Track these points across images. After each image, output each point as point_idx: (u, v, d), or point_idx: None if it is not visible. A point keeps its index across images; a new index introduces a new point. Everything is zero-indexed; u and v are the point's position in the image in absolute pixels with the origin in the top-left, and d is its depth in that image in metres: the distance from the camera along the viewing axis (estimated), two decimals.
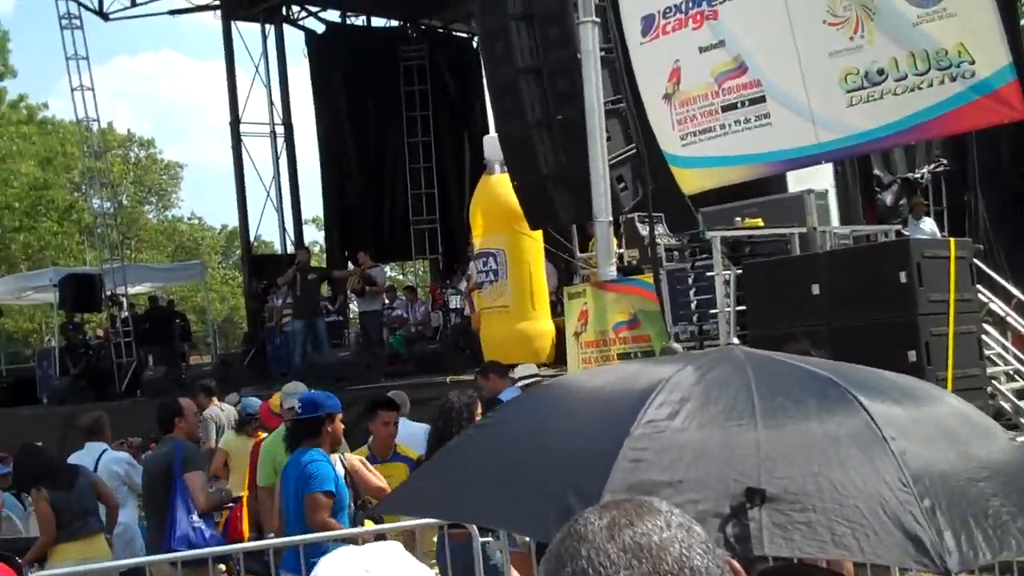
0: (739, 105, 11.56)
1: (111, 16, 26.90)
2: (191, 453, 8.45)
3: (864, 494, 2.40)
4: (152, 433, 12.85)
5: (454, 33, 28.68)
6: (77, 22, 23.70)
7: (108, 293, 23.45)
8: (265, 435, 9.85)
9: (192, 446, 8.63)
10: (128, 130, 62.88)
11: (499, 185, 15.16)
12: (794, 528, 2.33)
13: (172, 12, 27.78)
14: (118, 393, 21.07)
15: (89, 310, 25.40)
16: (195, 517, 8.11)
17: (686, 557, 1.44)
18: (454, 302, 19.38)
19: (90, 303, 24.33)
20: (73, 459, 9.85)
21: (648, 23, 12.47)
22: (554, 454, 2.78)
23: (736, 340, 6.17)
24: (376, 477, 7.63)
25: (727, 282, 11.29)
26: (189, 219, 67.04)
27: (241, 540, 9.43)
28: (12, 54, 46.00)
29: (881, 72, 10.66)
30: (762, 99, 11.41)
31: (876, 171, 15.23)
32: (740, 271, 11.31)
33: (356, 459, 7.85)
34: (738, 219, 12.38)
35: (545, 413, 3.05)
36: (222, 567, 10.61)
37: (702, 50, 11.83)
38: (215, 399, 13.88)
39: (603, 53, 12.95)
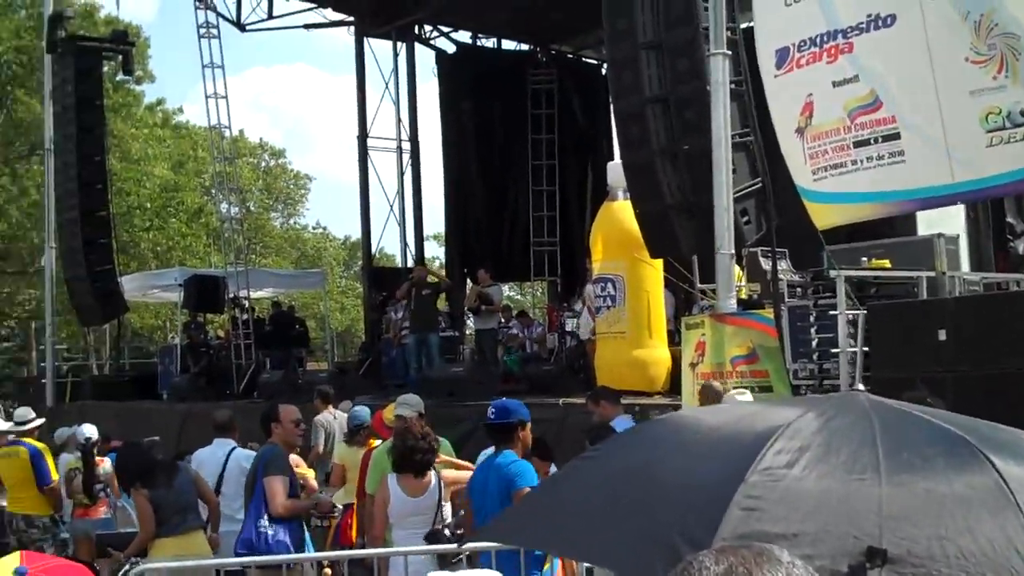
0: (872, 141, 11.34)
1: (248, 27, 27.48)
2: (274, 458, 8.39)
3: (993, 564, 2.27)
4: None
5: (583, 59, 28.73)
6: (215, 31, 24.25)
7: (231, 295, 23.89)
8: (377, 443, 9.96)
9: (278, 450, 8.55)
10: (260, 138, 64.25)
11: (621, 212, 15.12)
12: None
13: (307, 26, 28.29)
14: (235, 393, 21.42)
15: (212, 311, 25.93)
16: (265, 521, 8.06)
17: None
18: (570, 325, 19.36)
19: (213, 304, 24.83)
20: (202, 454, 10.03)
21: (782, 56, 12.33)
22: (663, 495, 2.70)
23: (861, 385, 6.01)
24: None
25: (851, 322, 11.10)
26: (314, 228, 68.20)
27: (350, 547, 9.57)
28: (151, 60, 47.07)
29: None
30: (896, 135, 11.18)
31: (1009, 219, 14.88)
32: (864, 312, 11.12)
33: (448, 472, 7.96)
34: (864, 259, 12.18)
35: (657, 449, 2.98)
36: (328, 572, 10.76)
37: (836, 84, 11.65)
38: (331, 406, 14.03)
39: (733, 86, 12.86)
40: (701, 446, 2.90)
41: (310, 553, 8.93)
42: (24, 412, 13.65)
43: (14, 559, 2.06)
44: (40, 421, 13.68)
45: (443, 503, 7.71)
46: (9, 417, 15.11)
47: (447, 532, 7.58)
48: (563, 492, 3.23)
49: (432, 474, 7.74)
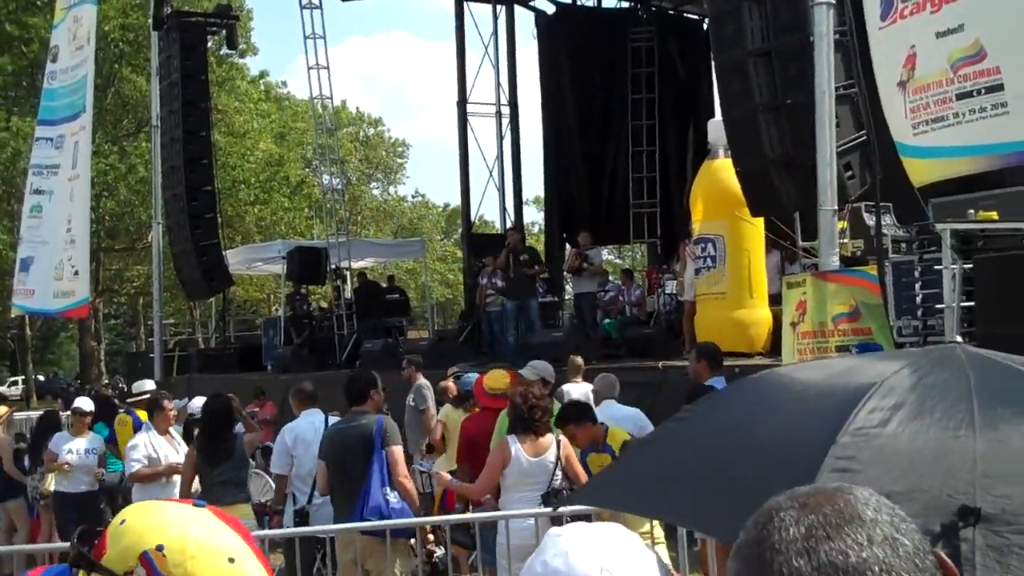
0: (975, 93, 11.00)
1: None
2: (391, 427, 8.42)
3: None
4: None
5: (684, 15, 28.37)
6: (316, 2, 24.36)
7: (332, 266, 24.09)
8: (478, 410, 9.96)
9: (390, 419, 8.65)
10: (356, 108, 64.73)
11: (722, 170, 14.93)
12: (1011, 552, 2.14)
13: None
14: (337, 364, 21.61)
15: (314, 282, 26.17)
16: (388, 488, 8.10)
17: None
18: (670, 287, 19.19)
19: (315, 275, 25.04)
20: (298, 427, 9.91)
21: (887, 6, 12.01)
22: (756, 456, 2.64)
23: (959, 338, 5.83)
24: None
25: (956, 276, 10.81)
26: (413, 197, 68.66)
27: (453, 511, 9.57)
28: (254, 32, 47.67)
29: None
30: (1000, 87, 10.83)
31: None
32: (971, 265, 10.82)
33: (570, 446, 7.92)
34: (971, 211, 11.84)
35: (750, 409, 2.91)
36: (431, 536, 10.85)
37: (939, 35, 11.31)
38: (421, 373, 14.08)
39: (836, 36, 12.56)
40: (794, 405, 2.83)
41: (428, 517, 9.00)
42: (142, 384, 14.02)
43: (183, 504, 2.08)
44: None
45: (561, 465, 7.73)
46: (127, 390, 15.53)
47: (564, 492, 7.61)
48: (656, 454, 3.18)
49: (552, 436, 7.73)
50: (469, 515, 8.16)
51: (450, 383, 12.06)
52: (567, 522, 6.21)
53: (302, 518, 9.31)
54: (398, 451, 8.22)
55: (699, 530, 4.65)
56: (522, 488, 7.76)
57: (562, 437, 7.91)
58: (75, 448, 12.03)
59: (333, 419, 9.76)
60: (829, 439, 2.40)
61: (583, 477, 7.71)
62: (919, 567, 1.34)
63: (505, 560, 7.58)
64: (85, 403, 12.66)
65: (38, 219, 26.60)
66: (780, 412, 2.81)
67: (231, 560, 1.88)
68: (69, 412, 13.72)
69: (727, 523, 2.56)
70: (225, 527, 1.93)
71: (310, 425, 9.75)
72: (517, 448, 7.75)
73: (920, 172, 11.73)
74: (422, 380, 13.80)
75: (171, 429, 11.17)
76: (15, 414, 15.46)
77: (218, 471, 9.11)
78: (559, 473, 7.76)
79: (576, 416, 8.27)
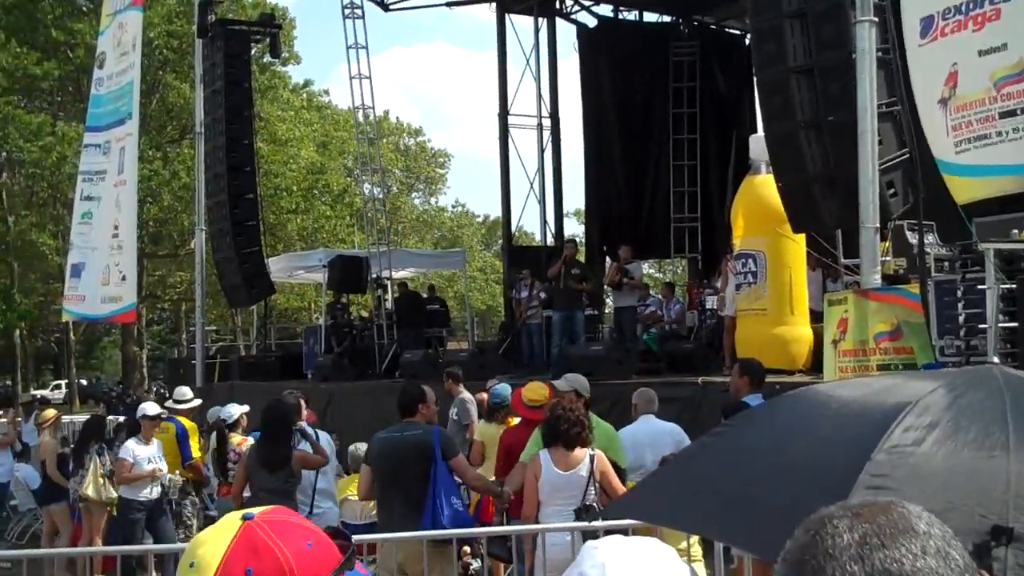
0: (1019, 112, 10.96)
1: (391, 7, 27.75)
2: (449, 437, 8.61)
3: None
4: None
5: (726, 30, 28.34)
6: (359, 12, 24.54)
7: (373, 276, 24.18)
8: (516, 421, 9.98)
9: (446, 431, 8.80)
10: (397, 118, 65.02)
11: (763, 186, 14.90)
12: None
13: (449, 4, 28.47)
14: (377, 373, 21.69)
15: (355, 291, 26.24)
16: (455, 499, 8.22)
17: None
18: (711, 302, 19.15)
19: (356, 285, 25.10)
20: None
21: (927, 24, 11.99)
22: (791, 472, 2.65)
23: (996, 359, 5.80)
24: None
25: (1000, 297, 10.76)
26: (453, 207, 68.83)
27: (490, 524, 9.58)
28: (297, 41, 48.00)
29: None
30: None
31: None
32: (1014, 286, 10.76)
33: (607, 461, 7.87)
34: (1015, 231, 11.78)
35: (787, 426, 2.92)
36: (467, 548, 10.85)
37: (981, 53, 11.28)
38: (461, 385, 14.08)
39: (879, 54, 12.54)
40: (830, 422, 2.84)
41: (465, 529, 9.03)
42: (183, 392, 14.11)
43: (252, 510, 2.12)
44: (197, 402, 14.14)
45: (595, 480, 7.68)
46: (168, 395, 15.63)
47: (597, 508, 7.56)
48: (693, 468, 3.19)
49: (586, 451, 7.71)
50: (506, 528, 8.18)
51: (484, 395, 12.09)
52: (602, 536, 6.22)
53: None
54: (463, 459, 8.43)
55: (731, 543, 4.66)
56: (555, 502, 7.75)
57: (597, 452, 7.83)
58: (149, 455, 12.08)
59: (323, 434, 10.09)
60: (864, 456, 2.41)
61: (620, 491, 7.69)
62: None
63: (541, 573, 7.58)
64: (152, 408, 12.62)
65: (88, 225, 26.86)
66: (816, 429, 2.82)
67: (191, 565, 1.96)
68: (122, 418, 13.85)
69: (760, 537, 2.59)
70: (226, 538, 1.98)
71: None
72: (547, 461, 7.75)
73: (963, 190, 11.69)
74: (465, 394, 13.80)
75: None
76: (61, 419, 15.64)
77: (270, 480, 9.10)
78: (592, 488, 7.67)
79: None
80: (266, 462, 9.02)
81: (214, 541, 1.98)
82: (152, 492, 11.93)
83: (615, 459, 8.50)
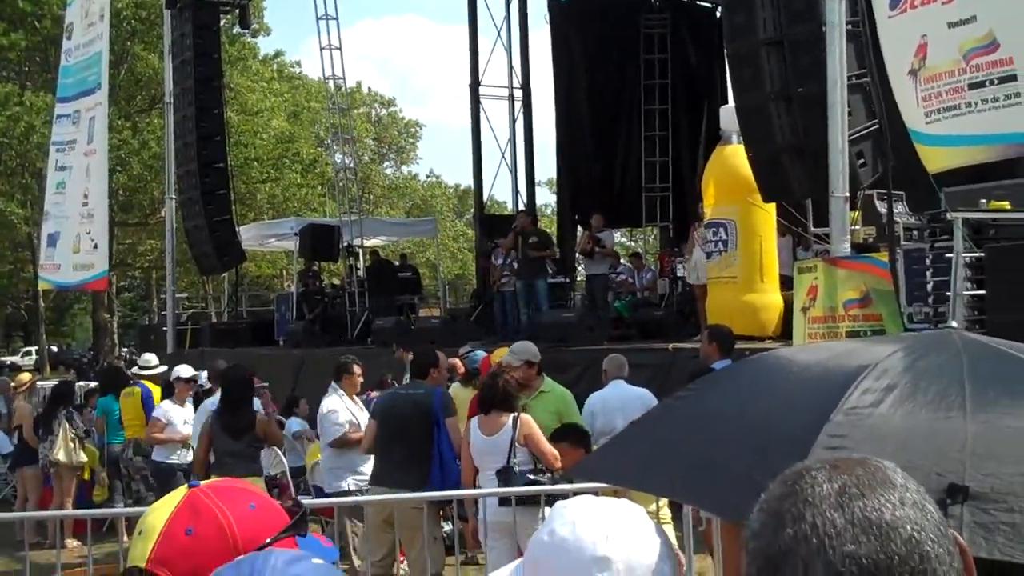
0: (988, 83, 11.05)
1: None
2: (449, 399, 9.10)
3: None
4: (388, 376, 13.40)
5: (697, 2, 28.35)
6: None
7: (345, 244, 24.19)
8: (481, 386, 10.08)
9: (448, 393, 9.28)
10: (368, 88, 64.74)
11: (734, 156, 14.99)
12: (997, 529, 2.18)
13: None
14: (349, 340, 21.73)
15: (326, 259, 26.26)
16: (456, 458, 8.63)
17: (916, 540, 1.34)
18: (681, 270, 19.27)
19: (328, 253, 25.13)
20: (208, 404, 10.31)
21: None
22: (752, 434, 2.68)
23: (955, 323, 5.90)
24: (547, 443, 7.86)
25: (967, 265, 10.89)
26: (427, 177, 68.67)
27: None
28: (266, 12, 47.68)
29: None
30: (1013, 77, 10.87)
31: None
32: (982, 254, 10.89)
33: (533, 424, 8.00)
34: (983, 201, 11.90)
35: (749, 389, 2.95)
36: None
37: (951, 25, 11.36)
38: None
39: (849, 26, 12.62)
40: (792, 385, 2.87)
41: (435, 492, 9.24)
42: (148, 358, 14.16)
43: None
44: (162, 368, 14.19)
45: (517, 444, 7.82)
46: (134, 362, 15.70)
47: (518, 472, 7.69)
48: (657, 431, 3.22)
49: (509, 416, 7.84)
50: (475, 491, 8.30)
51: (458, 361, 12.17)
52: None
53: None
54: (454, 421, 8.79)
55: (696, 505, 4.73)
56: (485, 466, 7.99)
57: (523, 416, 7.96)
58: (185, 417, 12.09)
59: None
60: (823, 418, 2.44)
61: (549, 454, 7.82)
62: (944, 534, 1.37)
63: (481, 534, 7.90)
64: (185, 370, 12.68)
65: (62, 195, 26.83)
66: (777, 391, 2.85)
67: (139, 533, 2.06)
68: (93, 384, 13.88)
69: (724, 498, 2.65)
70: (170, 505, 2.07)
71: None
72: (475, 427, 8.02)
73: (934, 160, 11.79)
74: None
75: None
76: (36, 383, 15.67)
77: (232, 445, 9.24)
78: (514, 452, 7.81)
79: (571, 438, 8.03)
80: (228, 428, 9.17)
81: (160, 508, 2.07)
82: (185, 456, 11.95)
83: (572, 420, 8.90)
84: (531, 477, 7.69)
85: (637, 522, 1.81)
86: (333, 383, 10.32)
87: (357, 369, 10.48)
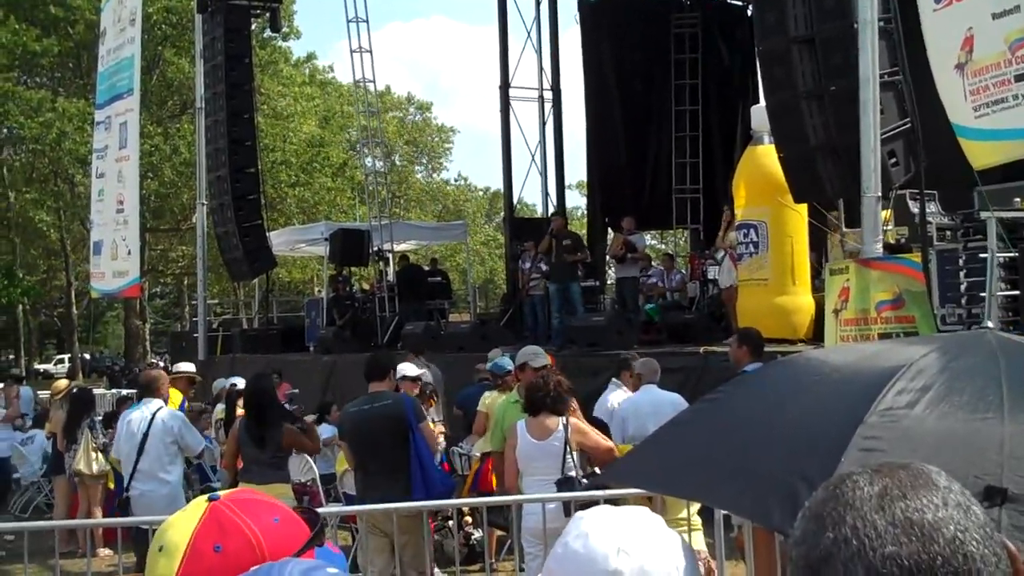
0: None
1: None
2: (418, 405, 9.07)
3: None
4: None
5: (728, 1, 28.23)
6: None
7: (375, 248, 24.18)
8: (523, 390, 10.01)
9: (416, 400, 9.35)
10: (408, 93, 64.96)
11: (765, 156, 14.89)
12: None
13: None
14: (379, 345, 21.70)
15: (356, 264, 26.26)
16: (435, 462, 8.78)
17: (960, 541, 1.31)
18: (712, 272, 19.15)
19: (357, 257, 25.10)
20: (131, 414, 10.16)
21: None
22: (784, 436, 2.64)
23: (991, 323, 5.79)
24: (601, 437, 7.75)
25: (1001, 265, 10.76)
26: (456, 181, 68.77)
27: (489, 494, 9.64)
28: (297, 15, 47.83)
29: None
30: None
31: None
32: (1016, 254, 10.76)
33: (584, 425, 7.90)
34: (1017, 200, 11.77)
35: (779, 391, 2.91)
36: (468, 519, 10.92)
37: (995, 16, 11.17)
38: (422, 357, 14.27)
39: (881, 24, 12.49)
40: (824, 387, 2.83)
41: (466, 499, 9.24)
42: (179, 366, 14.05)
43: (222, 492, 2.13)
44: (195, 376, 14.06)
45: (571, 449, 7.70)
46: (169, 369, 15.67)
47: (581, 480, 7.58)
48: (687, 434, 3.18)
49: (560, 420, 7.73)
50: (505, 498, 8.23)
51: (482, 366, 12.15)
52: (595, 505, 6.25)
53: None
54: (427, 425, 8.88)
55: (726, 509, 4.65)
56: (532, 471, 7.83)
57: (572, 419, 7.83)
58: None
59: (174, 411, 10.18)
60: (856, 420, 2.40)
61: (610, 448, 7.75)
62: (990, 535, 1.34)
63: (524, 542, 7.79)
64: (411, 369, 12.28)
65: (103, 203, 26.99)
66: (809, 393, 2.81)
67: (160, 549, 1.98)
68: (125, 391, 13.85)
69: (755, 502, 2.59)
70: (192, 520, 2.00)
71: (141, 415, 9.95)
72: (522, 431, 7.84)
73: (980, 155, 11.58)
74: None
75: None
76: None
77: (258, 453, 9.23)
78: (571, 458, 7.69)
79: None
80: (254, 437, 9.17)
81: (181, 524, 2.00)
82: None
83: None
84: (589, 484, 7.58)
85: (653, 533, 1.76)
86: None
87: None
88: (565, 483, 7.56)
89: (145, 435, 9.74)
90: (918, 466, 1.43)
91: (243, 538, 1.98)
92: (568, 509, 7.20)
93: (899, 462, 1.45)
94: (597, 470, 7.68)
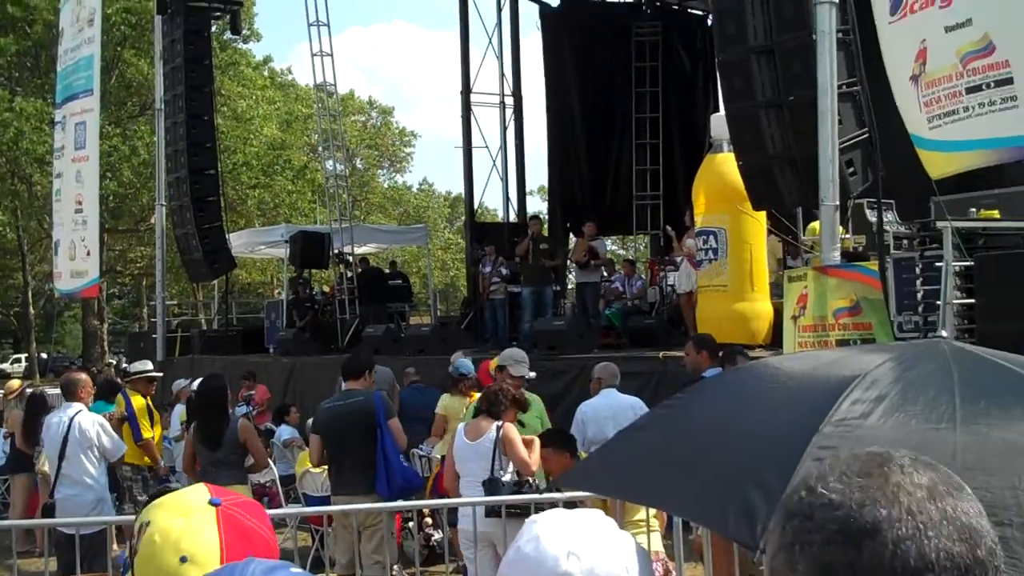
0: (984, 87, 11.02)
1: None
2: (389, 403, 9.32)
3: None
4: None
5: (688, 11, 28.41)
6: None
7: (335, 251, 24.15)
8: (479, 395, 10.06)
9: (387, 396, 9.59)
10: (369, 96, 64.82)
11: (724, 164, 15.00)
12: None
13: None
14: (340, 348, 21.69)
15: (316, 266, 26.20)
16: (401, 456, 9.04)
17: (994, 553, 1.34)
18: (672, 278, 19.27)
19: (318, 260, 25.06)
20: (51, 417, 10.25)
21: (896, 2, 12.05)
22: (740, 444, 2.66)
23: (944, 332, 5.86)
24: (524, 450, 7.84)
25: (957, 274, 10.91)
26: (420, 185, 68.69)
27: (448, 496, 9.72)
28: (257, 18, 47.63)
29: None
30: (1010, 80, 10.83)
31: None
32: (972, 263, 10.91)
33: (513, 431, 7.98)
34: (973, 210, 11.93)
35: (736, 399, 2.94)
36: (428, 520, 10.98)
37: (948, 29, 11.33)
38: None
39: (839, 35, 12.63)
40: (780, 395, 2.86)
41: (427, 501, 9.46)
42: (141, 364, 13.94)
43: (201, 489, 2.09)
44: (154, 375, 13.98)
45: (500, 453, 7.81)
46: (127, 369, 15.56)
47: (504, 482, 7.68)
48: (644, 440, 3.20)
49: (495, 423, 7.85)
50: (475, 499, 8.29)
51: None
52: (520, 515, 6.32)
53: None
54: (396, 422, 9.02)
55: (681, 515, 4.70)
56: (465, 472, 7.99)
57: (505, 423, 7.91)
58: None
59: (92, 415, 10.11)
60: (812, 429, 2.43)
61: (527, 462, 7.79)
62: (999, 554, 1.36)
63: (460, 544, 8.04)
64: (465, 365, 12.30)
65: (60, 202, 26.82)
66: (766, 401, 2.83)
67: (182, 560, 1.92)
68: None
69: (708, 508, 2.64)
70: (209, 527, 1.96)
71: (59, 419, 10.00)
72: (460, 432, 8.08)
73: (936, 165, 11.73)
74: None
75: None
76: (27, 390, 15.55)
77: (214, 454, 9.25)
78: (499, 460, 7.80)
79: (557, 443, 7.98)
80: (204, 439, 9.21)
81: (195, 531, 1.96)
82: None
83: (547, 424, 9.49)
84: (516, 488, 7.67)
85: (603, 536, 1.78)
86: None
87: None
88: (490, 484, 7.66)
89: (64, 439, 9.72)
90: (948, 471, 1.43)
91: (263, 542, 1.99)
92: (495, 512, 7.35)
93: (925, 457, 1.45)
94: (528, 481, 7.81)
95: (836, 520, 1.34)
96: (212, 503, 2.01)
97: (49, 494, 9.84)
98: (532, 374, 9.97)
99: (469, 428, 7.96)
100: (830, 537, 1.33)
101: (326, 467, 9.41)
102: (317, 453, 9.21)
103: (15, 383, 15.07)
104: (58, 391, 18.38)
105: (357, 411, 8.86)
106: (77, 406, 9.98)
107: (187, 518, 1.98)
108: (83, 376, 10.91)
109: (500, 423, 7.86)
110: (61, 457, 9.69)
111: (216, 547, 1.94)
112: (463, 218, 33.58)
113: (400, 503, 8.72)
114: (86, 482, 9.67)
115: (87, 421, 9.86)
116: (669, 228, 17.13)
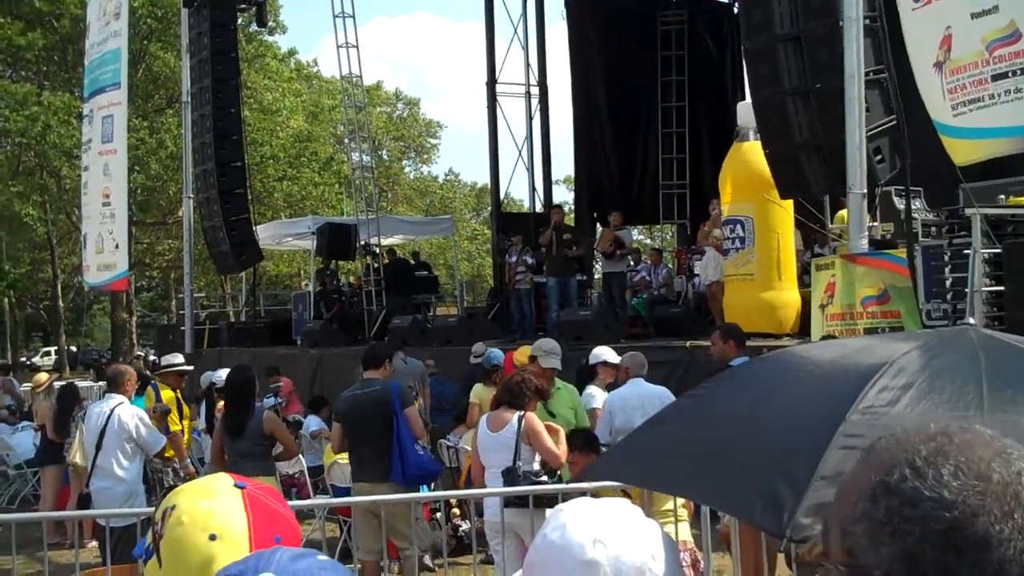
0: (1010, 74, 10.97)
1: None
2: (407, 390, 9.49)
3: None
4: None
5: None
6: None
7: (362, 242, 24.20)
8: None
9: (404, 386, 9.67)
10: (396, 88, 64.92)
11: (751, 152, 14.95)
12: None
13: None
14: (366, 339, 21.72)
15: (343, 258, 26.26)
16: (418, 445, 9.11)
17: None
18: (698, 267, 19.23)
19: (345, 251, 25.12)
20: (93, 407, 10.34)
21: None
22: (766, 433, 2.64)
23: (972, 320, 5.80)
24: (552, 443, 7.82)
25: (986, 261, 10.84)
26: (446, 176, 68.76)
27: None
28: (283, 10, 47.71)
29: None
30: None
31: None
32: (1000, 250, 10.84)
33: (537, 422, 7.96)
34: (1002, 197, 11.86)
35: (762, 388, 2.92)
36: (456, 511, 11.01)
37: (974, 16, 11.27)
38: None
39: (866, 22, 12.57)
40: (807, 384, 2.84)
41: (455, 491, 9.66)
42: (171, 357, 13.97)
43: (224, 476, 2.11)
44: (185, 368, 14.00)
45: (522, 444, 7.79)
46: (158, 361, 15.63)
47: (522, 473, 7.67)
48: (669, 430, 3.19)
49: (516, 414, 7.84)
50: (495, 490, 8.30)
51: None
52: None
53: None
54: (413, 411, 9.17)
55: (707, 504, 4.67)
56: (489, 463, 8.00)
57: (528, 413, 7.89)
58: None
59: (134, 408, 10.14)
60: (838, 417, 2.42)
61: (555, 454, 7.77)
62: None
63: (487, 535, 8.08)
64: (610, 354, 12.12)
65: (88, 196, 26.97)
66: (792, 390, 2.82)
67: (212, 538, 1.93)
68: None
69: (735, 497, 2.63)
70: (236, 508, 1.98)
71: (101, 409, 10.08)
72: (483, 424, 8.14)
73: (961, 153, 11.67)
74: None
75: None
76: (55, 383, 15.68)
77: (239, 444, 9.32)
78: (524, 451, 7.79)
79: (581, 446, 7.92)
80: (231, 429, 9.27)
81: (224, 511, 1.97)
82: None
83: (582, 414, 9.59)
84: (535, 478, 7.66)
85: (629, 524, 1.77)
86: None
87: None
88: (508, 475, 7.67)
89: (103, 431, 9.78)
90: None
91: (289, 525, 2.01)
92: (513, 503, 7.39)
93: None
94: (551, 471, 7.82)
95: (944, 521, 1.25)
96: (237, 486, 2.03)
97: (85, 483, 9.89)
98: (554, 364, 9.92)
99: (491, 419, 7.98)
100: (931, 536, 1.26)
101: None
102: (338, 441, 9.43)
103: (43, 376, 15.20)
104: (88, 383, 18.56)
105: (375, 400, 8.97)
106: (119, 398, 10.02)
107: (212, 500, 1.99)
108: (130, 369, 11.00)
109: (522, 413, 7.86)
110: (98, 448, 9.74)
111: (244, 526, 1.95)
112: (489, 208, 33.55)
113: (426, 494, 8.79)
114: (118, 475, 9.72)
115: (127, 414, 9.89)
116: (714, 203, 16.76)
